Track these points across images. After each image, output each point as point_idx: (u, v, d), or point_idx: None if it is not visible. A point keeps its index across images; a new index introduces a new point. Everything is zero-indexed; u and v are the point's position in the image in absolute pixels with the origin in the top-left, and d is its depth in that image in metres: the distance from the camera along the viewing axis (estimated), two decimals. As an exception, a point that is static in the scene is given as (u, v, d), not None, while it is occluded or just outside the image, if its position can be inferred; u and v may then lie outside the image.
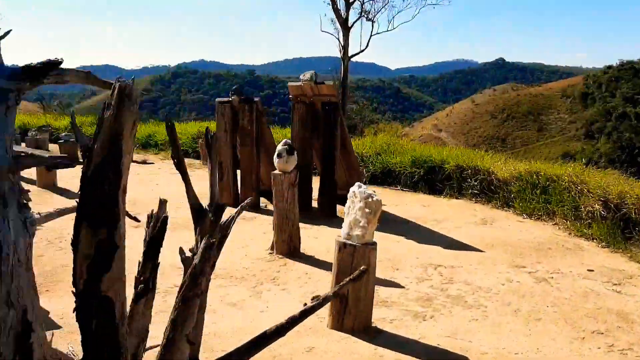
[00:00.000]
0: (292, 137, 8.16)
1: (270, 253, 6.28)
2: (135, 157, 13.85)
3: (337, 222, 7.27)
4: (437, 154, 10.12)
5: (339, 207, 8.30)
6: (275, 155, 6.34)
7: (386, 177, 10.51)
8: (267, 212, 8.22)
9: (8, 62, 2.16)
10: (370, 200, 4.26)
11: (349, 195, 4.44)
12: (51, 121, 19.24)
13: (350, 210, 4.37)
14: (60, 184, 10.38)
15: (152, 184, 10.63)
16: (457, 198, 9.30)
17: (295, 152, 6.33)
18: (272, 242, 6.34)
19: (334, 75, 30.43)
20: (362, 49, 27.69)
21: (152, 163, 13.74)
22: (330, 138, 7.98)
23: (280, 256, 6.18)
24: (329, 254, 5.40)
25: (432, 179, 9.76)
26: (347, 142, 8.38)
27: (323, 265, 5.85)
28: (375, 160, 10.78)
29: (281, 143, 6.36)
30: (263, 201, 8.92)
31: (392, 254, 6.30)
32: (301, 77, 7.96)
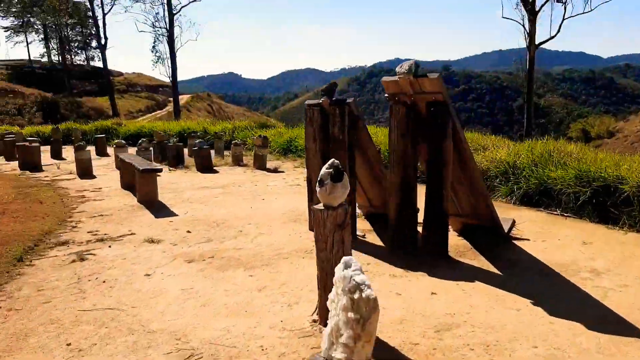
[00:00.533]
0: (390, 149, 6.20)
1: (313, 322, 4.39)
2: (270, 164, 12.79)
3: (444, 267, 5.34)
4: (612, 167, 7.29)
5: (457, 242, 6.18)
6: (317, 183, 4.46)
7: (542, 197, 7.93)
8: (364, 245, 6.39)
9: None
10: (358, 296, 2.27)
11: (334, 279, 2.47)
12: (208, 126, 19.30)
13: (333, 307, 2.42)
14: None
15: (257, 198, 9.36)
16: (638, 231, 6.50)
17: (346, 178, 4.36)
18: (317, 306, 4.46)
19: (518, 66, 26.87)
20: (552, 35, 23.90)
21: (282, 172, 12.53)
22: (437, 151, 5.84)
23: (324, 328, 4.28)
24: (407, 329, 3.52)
25: (604, 202, 7.01)
26: (466, 155, 6.12)
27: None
28: (529, 174, 8.24)
29: (327, 164, 4.44)
30: (362, 229, 7.07)
31: (497, 335, 4.03)
32: (397, 69, 5.93)
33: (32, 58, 74.16)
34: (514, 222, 6.93)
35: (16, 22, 72.83)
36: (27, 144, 14.46)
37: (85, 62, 77.24)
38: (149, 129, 20.04)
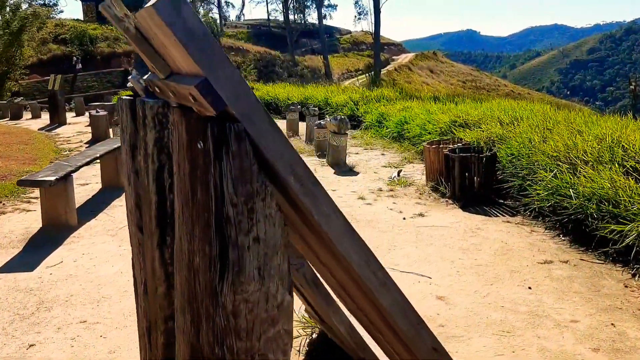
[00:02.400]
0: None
1: None
2: (368, 153, 8.75)
3: None
4: None
5: None
6: None
7: None
8: None
9: None
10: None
11: None
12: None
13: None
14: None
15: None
16: None
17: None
18: None
19: None
20: None
21: (357, 173, 8.35)
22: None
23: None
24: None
25: None
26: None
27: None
28: None
29: None
30: None
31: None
32: None
33: (270, 17, 76.51)
34: None
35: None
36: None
37: (317, 22, 77.62)
38: (272, 96, 16.98)
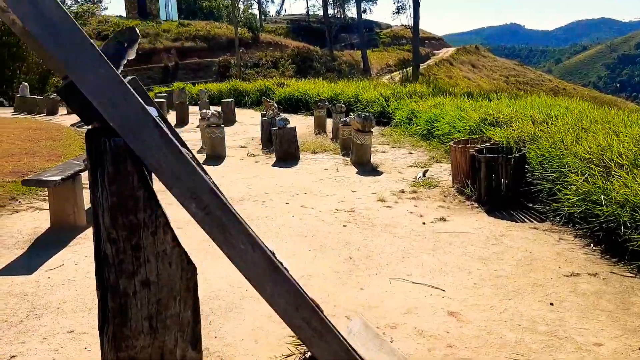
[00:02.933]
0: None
1: None
2: (395, 152, 8.50)
3: None
4: None
5: None
6: None
7: None
8: None
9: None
10: None
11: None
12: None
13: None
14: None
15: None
16: None
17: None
18: None
19: None
20: None
21: (381, 173, 8.05)
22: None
23: None
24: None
25: None
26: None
27: None
28: None
29: None
30: None
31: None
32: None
33: (309, 12, 76.16)
34: None
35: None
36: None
37: (357, 16, 76.90)
38: (302, 92, 16.70)
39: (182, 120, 14.17)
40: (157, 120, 0.99)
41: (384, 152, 9.78)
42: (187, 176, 1.02)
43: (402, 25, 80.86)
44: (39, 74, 36.65)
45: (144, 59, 48.56)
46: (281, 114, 10.09)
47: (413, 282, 4.25)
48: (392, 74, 50.42)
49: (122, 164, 0.99)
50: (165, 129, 1.00)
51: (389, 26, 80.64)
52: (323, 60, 55.12)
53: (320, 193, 6.96)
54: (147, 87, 33.04)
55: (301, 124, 13.84)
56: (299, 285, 1.30)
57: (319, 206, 6.34)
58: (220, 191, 2.26)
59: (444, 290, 4.09)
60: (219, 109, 15.16)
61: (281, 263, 1.55)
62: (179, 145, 1.02)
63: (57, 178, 5.12)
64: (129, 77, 2.25)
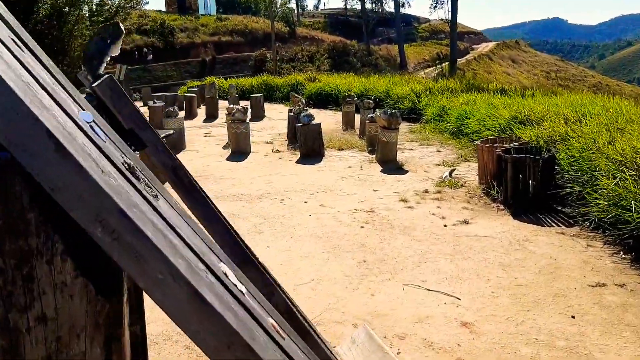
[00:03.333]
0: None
1: None
2: (421, 150, 8.31)
3: None
4: None
5: None
6: None
7: None
8: None
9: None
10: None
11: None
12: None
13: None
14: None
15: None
16: None
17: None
18: None
19: None
20: None
21: (406, 172, 7.84)
22: None
23: None
24: None
25: None
26: None
27: None
28: None
29: None
30: None
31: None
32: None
33: (347, 6, 75.75)
34: None
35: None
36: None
37: (395, 10, 76.15)
38: (332, 87, 16.49)
39: (212, 115, 14.16)
40: (52, 132, 0.85)
41: (412, 149, 9.55)
42: (91, 194, 0.87)
43: (441, 19, 79.76)
44: (80, 67, 37.41)
45: (182, 54, 49.13)
46: (308, 110, 9.94)
47: (427, 289, 4.06)
48: (428, 69, 49.73)
49: (9, 182, 0.85)
50: (60, 141, 0.86)
51: (427, 20, 79.67)
52: (359, 55, 54.74)
53: (341, 192, 6.81)
54: (182, 82, 33.34)
55: (330, 119, 13.69)
56: (245, 313, 1.15)
57: (338, 205, 6.18)
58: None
59: (459, 299, 3.89)
60: (248, 103, 15.14)
61: (236, 285, 1.40)
62: (75, 158, 0.88)
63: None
64: (106, 76, 2.15)
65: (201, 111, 15.08)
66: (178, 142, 9.77)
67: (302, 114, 8.94)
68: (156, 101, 12.14)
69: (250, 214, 5.90)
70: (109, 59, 2.25)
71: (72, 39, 36.37)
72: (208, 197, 2.36)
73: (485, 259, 4.61)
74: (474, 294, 3.96)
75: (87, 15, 38.02)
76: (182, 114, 15.02)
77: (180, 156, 9.20)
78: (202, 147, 10.22)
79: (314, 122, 8.96)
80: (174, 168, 2.13)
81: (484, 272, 4.33)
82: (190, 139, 11.00)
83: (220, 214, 2.33)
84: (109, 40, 2.23)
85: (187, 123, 13.78)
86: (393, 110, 8.31)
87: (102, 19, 37.34)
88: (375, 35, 64.48)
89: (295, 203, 6.31)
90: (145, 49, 42.04)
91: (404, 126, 12.14)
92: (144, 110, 14.85)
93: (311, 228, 5.42)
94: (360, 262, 4.57)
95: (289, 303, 2.34)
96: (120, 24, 2.24)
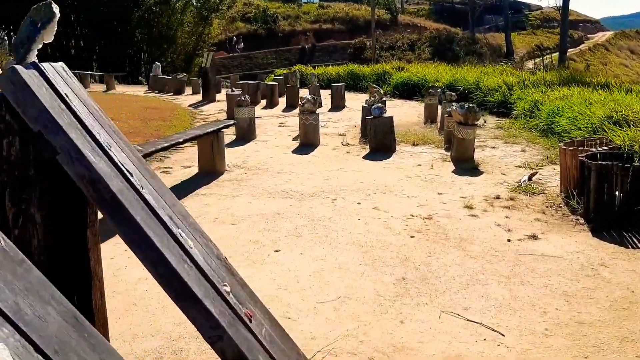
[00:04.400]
0: None
1: None
2: (497, 149, 7.67)
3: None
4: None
5: None
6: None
7: None
8: None
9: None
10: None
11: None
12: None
13: None
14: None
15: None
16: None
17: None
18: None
19: None
20: None
21: (481, 173, 7.12)
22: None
23: None
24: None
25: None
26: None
27: None
28: None
29: None
30: None
31: None
32: None
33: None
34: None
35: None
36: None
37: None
38: (420, 77, 15.61)
39: (291, 105, 13.87)
40: None
41: (494, 147, 8.74)
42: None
43: (553, 6, 75.24)
44: (185, 54, 38.77)
45: (284, 41, 49.67)
46: (385, 101, 9.35)
47: (467, 320, 3.47)
48: (538, 60, 46.95)
49: None
50: None
51: (539, 7, 75.49)
52: (463, 43, 52.78)
53: (401, 193, 6.24)
54: (264, 71, 33.63)
55: (412, 111, 13.03)
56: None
57: (393, 209, 5.63)
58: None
59: (502, 335, 3.28)
60: (328, 92, 14.73)
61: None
62: None
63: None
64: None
65: (283, 100, 14.87)
66: (247, 131, 9.55)
67: (372, 106, 8.40)
68: (234, 89, 12.02)
69: (295, 214, 5.50)
70: (40, 46, 1.90)
71: (179, 27, 37.71)
72: (154, 213, 1.96)
73: (547, 285, 3.92)
74: (522, 330, 3.32)
75: (193, 2, 39.24)
76: (264, 102, 14.93)
77: (248, 146, 8.98)
78: (273, 137, 9.94)
79: (386, 114, 8.39)
80: (92, 181, 1.74)
81: (541, 303, 3.66)
82: (263, 128, 10.77)
83: (164, 236, 1.93)
84: (39, 25, 1.89)
85: (265, 112, 13.62)
86: (471, 105, 7.57)
87: (207, 9, 38.42)
88: (482, 22, 61.94)
89: (348, 204, 5.84)
90: (234, 37, 42.81)
91: (491, 121, 11.28)
92: (222, 98, 14.84)
93: (355, 235, 4.93)
94: (399, 279, 4.04)
95: (240, 351, 1.90)
96: (53, 5, 1.88)
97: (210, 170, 6.93)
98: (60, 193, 1.81)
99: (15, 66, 1.72)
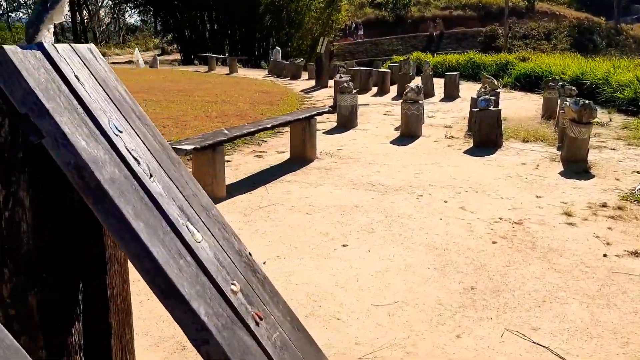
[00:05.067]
0: None
1: None
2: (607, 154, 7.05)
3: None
4: None
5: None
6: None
7: None
8: None
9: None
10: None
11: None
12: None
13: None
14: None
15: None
16: None
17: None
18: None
19: None
20: None
21: (592, 177, 6.47)
22: None
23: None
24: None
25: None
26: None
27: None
28: None
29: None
30: None
31: None
32: None
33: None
34: None
35: None
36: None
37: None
38: (544, 69, 14.44)
39: (401, 93, 13.49)
40: None
41: (613, 149, 7.91)
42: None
43: None
44: (311, 39, 39.34)
45: (412, 28, 48.86)
46: (492, 93, 8.78)
47: (533, 342, 3.11)
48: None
49: None
50: None
51: (700, -5, 68.13)
52: (605, 34, 48.87)
53: (495, 194, 5.81)
54: (381, 58, 33.01)
55: (531, 105, 12.19)
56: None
57: (481, 211, 5.24)
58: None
59: (570, 364, 2.90)
60: (441, 81, 14.19)
61: None
62: None
63: (189, 147, 4.98)
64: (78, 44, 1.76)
65: (394, 88, 14.54)
66: (349, 119, 9.40)
67: (480, 98, 7.90)
68: (342, 76, 11.90)
69: (374, 208, 5.29)
70: (50, 26, 1.88)
71: (307, 12, 38.30)
72: (155, 204, 1.88)
73: (637, 311, 3.43)
74: (595, 361, 2.92)
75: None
76: (375, 90, 14.69)
77: (346, 135, 8.85)
78: (374, 126, 9.71)
79: (499, 107, 7.87)
80: (77, 167, 1.68)
81: (625, 331, 3.20)
82: (367, 116, 10.57)
83: (159, 229, 1.84)
84: (48, 4, 1.86)
85: (374, 100, 13.40)
86: (586, 101, 6.87)
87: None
88: (629, 12, 56.91)
89: (433, 201, 5.52)
90: (354, 24, 42.60)
91: (618, 120, 10.27)
92: (331, 84, 14.77)
93: (431, 235, 4.63)
94: (467, 288, 3.72)
95: (227, 358, 1.77)
96: (63, -16, 1.83)
97: (300, 157, 6.89)
98: (53, 177, 1.77)
99: (5, 46, 1.69)
